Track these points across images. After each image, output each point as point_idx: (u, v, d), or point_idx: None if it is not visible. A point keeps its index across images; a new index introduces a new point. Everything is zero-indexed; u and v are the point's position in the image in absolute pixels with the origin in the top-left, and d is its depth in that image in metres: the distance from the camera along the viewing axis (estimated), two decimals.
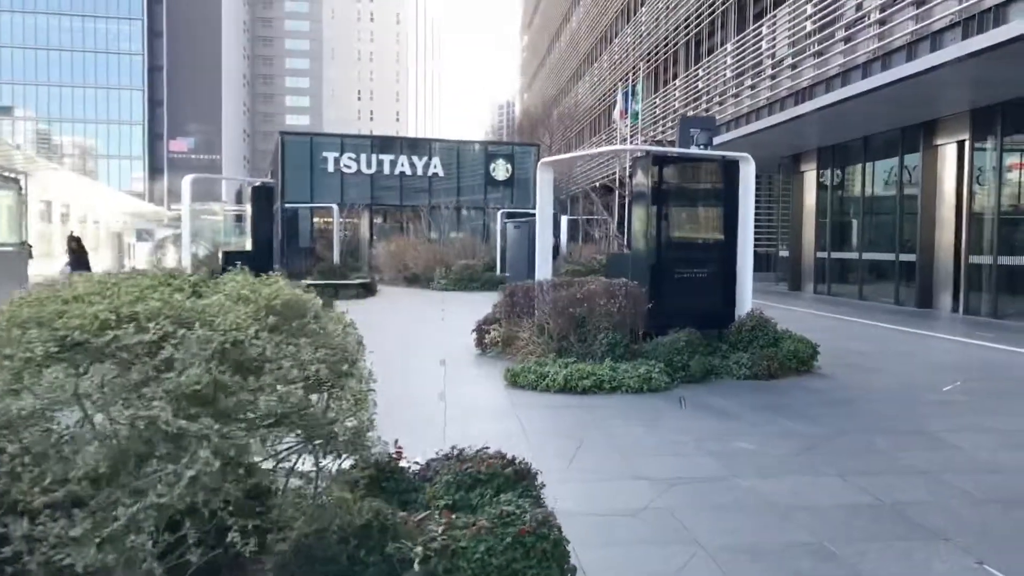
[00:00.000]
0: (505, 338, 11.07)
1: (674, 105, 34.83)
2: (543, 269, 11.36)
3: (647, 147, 9.24)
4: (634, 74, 41.70)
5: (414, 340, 13.25)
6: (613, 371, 8.68)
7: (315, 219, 36.47)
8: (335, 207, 25.23)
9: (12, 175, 19.19)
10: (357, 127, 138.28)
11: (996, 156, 16.50)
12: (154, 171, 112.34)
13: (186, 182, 13.84)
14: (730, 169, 10.18)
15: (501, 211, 28.53)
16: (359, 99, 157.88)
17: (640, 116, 37.03)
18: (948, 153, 18.84)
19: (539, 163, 11.27)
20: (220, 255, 15.02)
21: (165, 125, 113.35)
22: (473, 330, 11.75)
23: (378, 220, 41.17)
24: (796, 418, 7.39)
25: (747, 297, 10.36)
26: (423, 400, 8.15)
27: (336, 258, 24.23)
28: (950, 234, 18.99)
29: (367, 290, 23.59)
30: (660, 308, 9.55)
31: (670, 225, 9.97)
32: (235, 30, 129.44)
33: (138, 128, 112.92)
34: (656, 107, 37.95)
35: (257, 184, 14.77)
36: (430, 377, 9.55)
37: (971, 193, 17.53)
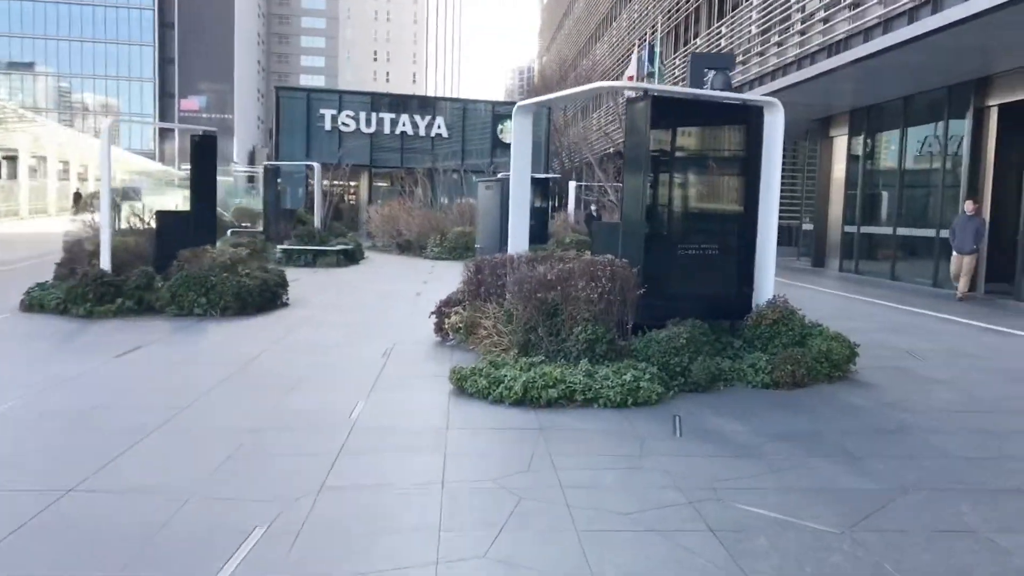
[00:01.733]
0: (468, 324, 9.01)
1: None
2: (518, 239, 9.26)
3: (644, 85, 7.00)
4: (652, 33, 39.10)
5: (370, 322, 11.22)
6: (590, 377, 6.60)
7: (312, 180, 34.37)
8: (316, 166, 23.09)
9: None
10: (374, 89, 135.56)
11: None
12: (165, 130, 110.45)
13: (105, 125, 11.75)
14: (752, 119, 8.00)
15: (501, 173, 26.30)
16: (375, 60, 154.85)
17: (660, 76, 34.48)
18: (1002, 116, 16.47)
19: (516, 106, 9.13)
20: (153, 217, 12.91)
21: (176, 83, 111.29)
22: (433, 312, 9.70)
23: (383, 184, 39.07)
24: (835, 458, 5.29)
25: (768, 280, 8.23)
26: (330, 417, 6.11)
27: (317, 222, 22.17)
28: (1006, 207, 16.70)
29: (349, 258, 21.56)
30: (657, 293, 7.44)
31: (672, 187, 7.81)
32: None
33: (149, 85, 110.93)
34: (676, 68, 35.40)
35: (198, 135, 12.62)
36: (360, 378, 7.52)
37: None
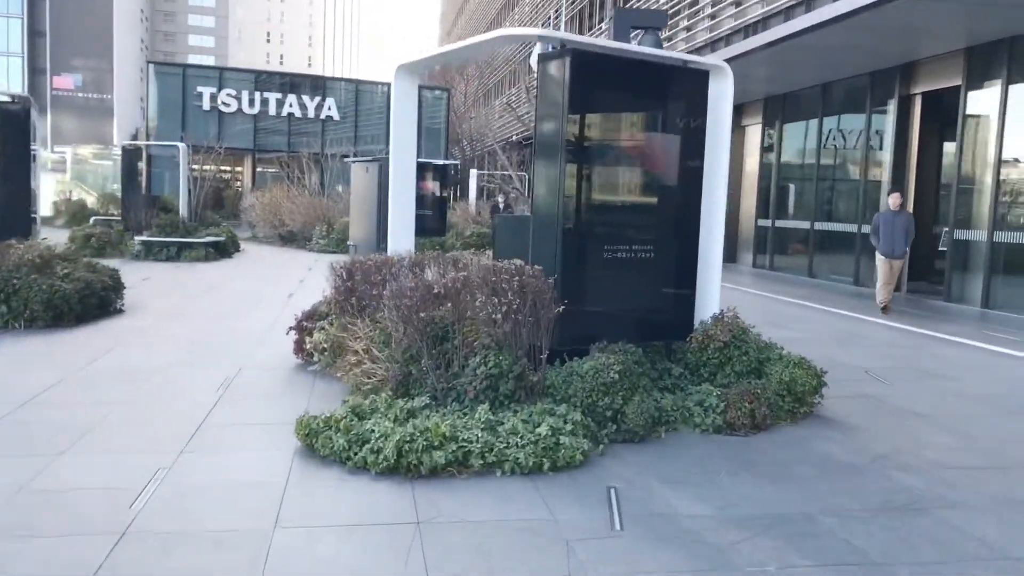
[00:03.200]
0: (334, 345, 7.02)
1: None
2: (400, 235, 7.31)
3: (562, 35, 5.14)
4: (556, 17, 37.59)
5: (219, 336, 9.06)
6: (491, 431, 4.75)
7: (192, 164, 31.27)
8: (182, 147, 20.41)
9: None
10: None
11: (999, 106, 13.14)
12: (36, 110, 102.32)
13: None
14: (695, 86, 6.28)
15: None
16: (268, 41, 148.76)
17: None
18: (925, 105, 15.54)
19: (396, 66, 7.16)
20: None
21: (48, 59, 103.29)
22: (292, 328, 7.65)
23: (271, 170, 36.17)
24: (849, 567, 3.61)
25: (714, 288, 6.56)
26: (101, 507, 4.05)
27: (182, 210, 19.55)
28: (927, 199, 15.88)
29: (220, 251, 19.08)
30: (576, 309, 5.63)
31: (597, 171, 6.01)
32: None
33: (16, 60, 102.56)
34: None
35: (3, 103, 10.10)
36: (175, 427, 5.43)
37: (961, 152, 14.20)
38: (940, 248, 15.72)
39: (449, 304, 5.28)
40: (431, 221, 19.14)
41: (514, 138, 40.60)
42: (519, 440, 4.65)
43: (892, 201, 13.08)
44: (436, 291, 5.27)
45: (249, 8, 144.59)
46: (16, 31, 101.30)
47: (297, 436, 5.01)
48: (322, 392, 6.47)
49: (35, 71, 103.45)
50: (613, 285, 6.08)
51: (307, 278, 15.31)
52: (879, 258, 12.83)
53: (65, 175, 49.29)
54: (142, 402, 6.06)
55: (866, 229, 16.50)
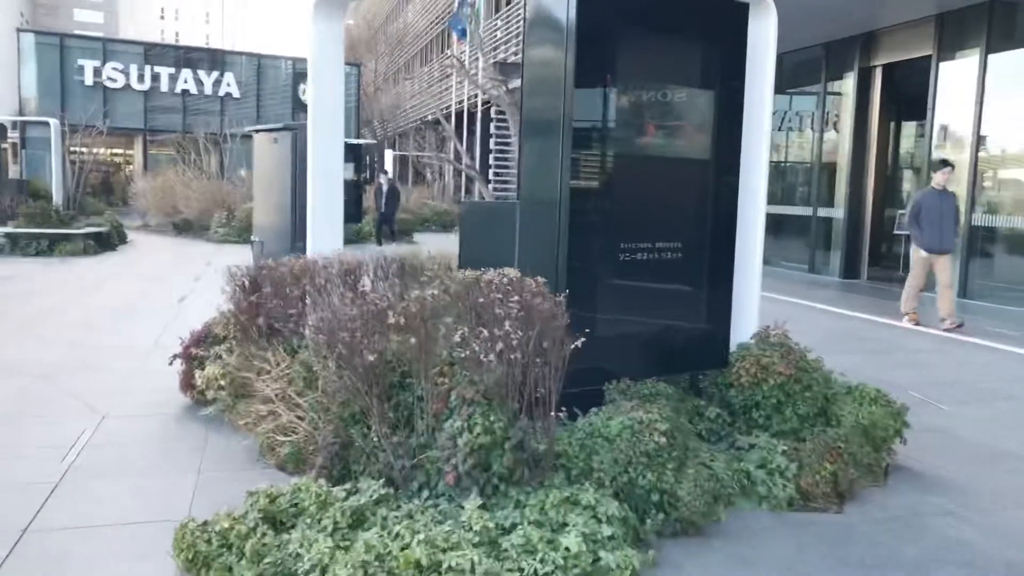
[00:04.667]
0: (236, 380, 5.10)
1: (520, 27, 28.98)
2: (326, 230, 5.42)
3: None
4: None
5: (85, 361, 6.97)
6: (492, 545, 3.00)
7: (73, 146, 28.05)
8: (53, 124, 17.67)
9: None
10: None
11: (978, 79, 12.00)
12: None
13: None
14: (729, 25, 4.62)
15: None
16: (162, 18, 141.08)
17: (479, 38, 30.78)
18: (885, 77, 14.44)
19: (314, 3, 5.24)
20: None
21: None
22: (176, 355, 5.68)
23: (165, 152, 33.01)
24: None
25: (753, 299, 4.93)
26: None
27: (56, 197, 16.90)
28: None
29: (102, 243, 16.59)
30: (584, 333, 3.88)
31: (608, 146, 4.26)
32: None
33: None
34: (498, 29, 31.96)
35: None
36: None
37: (931, 129, 13.10)
38: (895, 231, 14.73)
39: (412, 339, 3.46)
40: (346, 207, 17.00)
41: (430, 117, 38.52)
42: (539, 566, 2.90)
43: (940, 178, 9.78)
44: (392, 320, 3.44)
45: None
46: None
47: (176, 559, 3.13)
48: (218, 456, 4.56)
49: None
50: (631, 298, 4.37)
51: (205, 275, 13.10)
52: (919, 254, 9.73)
53: None
54: None
55: (825, 213, 15.40)
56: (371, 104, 44.33)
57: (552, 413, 3.48)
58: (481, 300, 3.39)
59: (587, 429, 3.63)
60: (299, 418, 4.46)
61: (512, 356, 3.38)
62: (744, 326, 4.83)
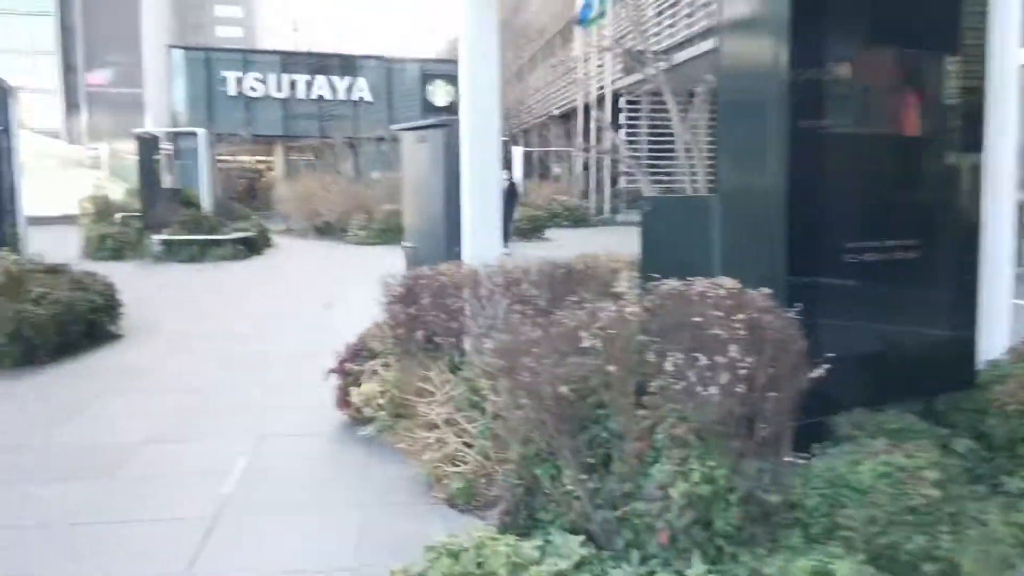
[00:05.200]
0: (395, 399, 4.70)
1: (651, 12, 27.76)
2: (484, 233, 4.94)
3: None
4: None
5: (234, 376, 6.82)
6: None
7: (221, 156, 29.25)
8: (201, 133, 18.28)
9: None
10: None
11: None
12: (71, 107, 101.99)
13: None
14: None
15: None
16: (296, 30, 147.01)
17: (601, 21, 29.34)
18: None
19: None
20: None
21: (80, 55, 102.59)
22: (331, 370, 5.35)
23: (304, 157, 33.99)
24: None
25: (1002, 309, 4.08)
26: None
27: (206, 204, 17.42)
28: None
29: (250, 247, 16.95)
30: (819, 358, 3.19)
31: (831, 129, 3.54)
32: None
33: (50, 58, 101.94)
34: (624, 19, 30.72)
35: None
36: None
37: None
38: None
39: (611, 367, 2.89)
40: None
41: (556, 111, 37.97)
42: None
43: None
44: (586, 343, 2.89)
45: None
46: (48, 29, 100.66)
47: None
48: (381, 486, 4.15)
49: (68, 68, 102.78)
50: (859, 309, 3.65)
51: (348, 278, 13.08)
52: None
53: (101, 171, 47.85)
54: (106, 514, 3.81)
55: None
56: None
57: (785, 456, 2.83)
58: (698, 319, 2.79)
59: (826, 475, 2.96)
60: (467, 445, 4.01)
61: (742, 389, 2.76)
62: (993, 339, 4.00)
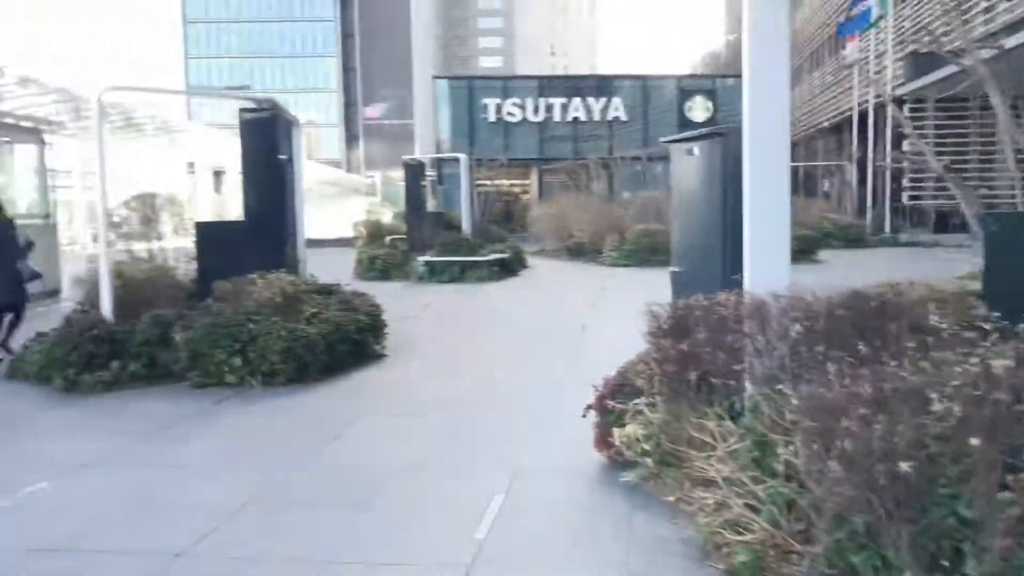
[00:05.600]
0: (663, 445, 4.16)
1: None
2: (770, 260, 4.27)
3: None
4: None
5: (493, 401, 6.63)
6: None
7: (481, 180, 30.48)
8: (463, 159, 18.94)
9: (34, 126, 14.48)
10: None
11: None
12: (350, 139, 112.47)
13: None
14: None
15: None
16: (552, 55, 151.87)
17: (880, 22, 26.70)
18: None
19: None
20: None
21: (359, 92, 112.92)
22: (590, 406, 4.92)
23: (556, 179, 34.55)
24: None
25: None
26: None
27: (466, 226, 17.96)
28: None
29: (505, 268, 17.19)
30: None
31: None
32: None
33: (334, 96, 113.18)
34: (906, 19, 27.99)
35: (249, 108, 8.53)
36: None
37: None
38: None
39: (972, 437, 2.16)
40: None
41: (826, 124, 35.53)
42: None
43: None
44: (938, 407, 2.19)
45: (533, 24, 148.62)
46: (332, 69, 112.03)
47: None
48: (648, 546, 3.63)
49: (348, 104, 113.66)
50: None
51: (601, 300, 12.76)
52: None
53: (375, 197, 52.09)
54: (337, 570, 3.62)
55: None
56: None
57: None
58: None
59: None
60: (752, 508, 3.38)
61: None
62: None
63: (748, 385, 3.86)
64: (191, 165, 34.44)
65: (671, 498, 3.99)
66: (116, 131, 22.88)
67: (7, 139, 14.57)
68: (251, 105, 8.67)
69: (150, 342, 7.43)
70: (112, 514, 4.20)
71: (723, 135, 4.93)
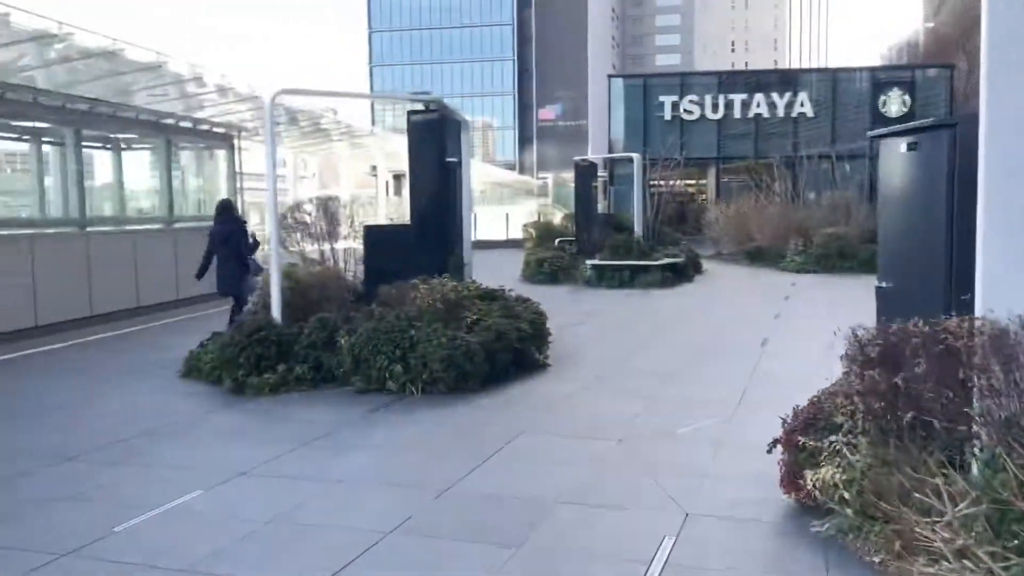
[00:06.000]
0: (867, 495, 3.48)
1: None
2: (1012, 278, 3.47)
3: None
4: None
5: (662, 424, 6.07)
6: None
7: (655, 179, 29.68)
8: (636, 158, 18.25)
9: (223, 131, 15.30)
10: None
11: None
12: (524, 140, 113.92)
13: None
14: None
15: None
16: (733, 51, 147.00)
17: None
18: None
19: None
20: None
21: (534, 94, 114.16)
22: (776, 441, 4.27)
23: (735, 179, 33.08)
24: None
25: None
26: None
27: (637, 229, 17.29)
28: None
29: (678, 274, 16.41)
30: None
31: None
32: None
33: (509, 99, 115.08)
34: None
35: (418, 110, 8.40)
36: None
37: None
38: None
39: None
40: None
41: None
42: None
43: None
44: None
45: (713, 21, 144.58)
46: (508, 72, 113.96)
47: None
48: None
49: (523, 106, 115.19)
50: None
51: (785, 312, 11.79)
52: None
53: (546, 199, 52.25)
54: None
55: None
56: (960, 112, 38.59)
57: None
58: None
59: None
60: None
61: None
62: None
63: (982, 433, 3.12)
64: (373, 168, 35.79)
65: (874, 559, 3.33)
66: (305, 135, 24.04)
67: (203, 144, 15.52)
68: (418, 107, 8.53)
69: (315, 345, 7.44)
70: (255, 531, 4.04)
71: (951, 126, 4.13)
